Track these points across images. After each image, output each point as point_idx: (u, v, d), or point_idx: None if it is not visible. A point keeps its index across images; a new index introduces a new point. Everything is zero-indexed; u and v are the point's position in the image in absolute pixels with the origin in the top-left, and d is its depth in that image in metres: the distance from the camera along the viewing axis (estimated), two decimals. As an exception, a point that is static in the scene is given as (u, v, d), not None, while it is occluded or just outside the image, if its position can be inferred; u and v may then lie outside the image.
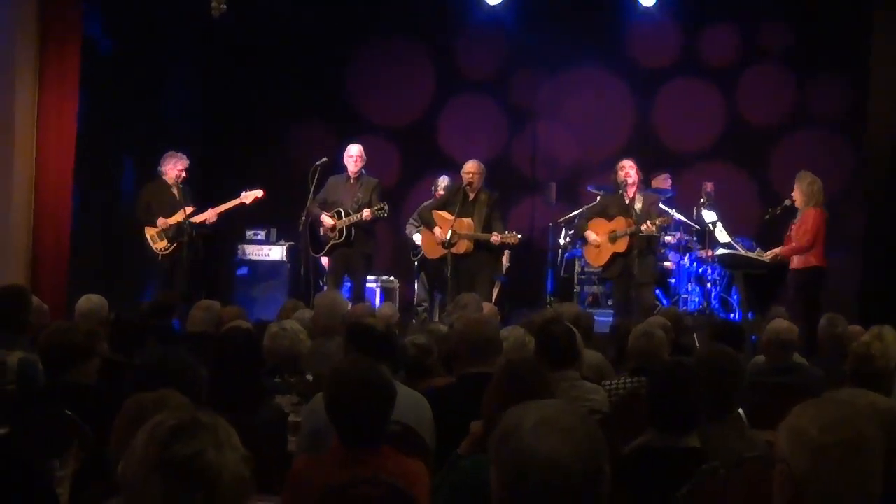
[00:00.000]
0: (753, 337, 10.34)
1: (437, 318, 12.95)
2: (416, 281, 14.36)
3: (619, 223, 12.35)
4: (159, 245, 12.88)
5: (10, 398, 6.35)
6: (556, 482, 2.47)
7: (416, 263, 14.24)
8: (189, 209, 12.93)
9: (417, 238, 13.88)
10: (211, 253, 13.91)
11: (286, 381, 6.89)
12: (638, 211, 12.34)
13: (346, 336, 6.55)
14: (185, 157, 13.18)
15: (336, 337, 8.18)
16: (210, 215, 13.08)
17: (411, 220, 14.25)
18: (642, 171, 12.65)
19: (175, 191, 13.07)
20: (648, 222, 12.16)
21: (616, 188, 12.60)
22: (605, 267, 12.68)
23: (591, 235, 12.57)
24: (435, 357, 6.75)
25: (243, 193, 13.28)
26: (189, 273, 12.95)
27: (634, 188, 12.45)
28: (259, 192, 13.29)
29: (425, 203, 13.58)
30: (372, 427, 4.53)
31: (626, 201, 12.41)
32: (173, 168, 13.05)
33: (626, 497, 4.23)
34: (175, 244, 12.84)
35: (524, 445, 2.49)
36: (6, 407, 5.96)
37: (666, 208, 13.20)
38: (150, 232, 12.92)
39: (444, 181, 14.04)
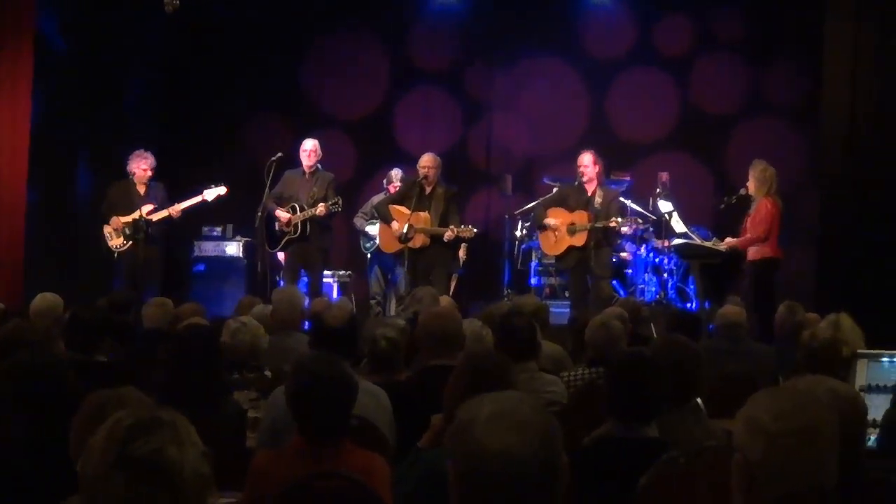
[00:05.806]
0: (711, 326, 10.40)
1: (391, 312, 12.98)
2: (369, 275, 14.31)
3: (580, 216, 12.34)
4: (115, 242, 12.83)
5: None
6: (508, 475, 2.47)
7: (368, 256, 14.23)
8: (148, 206, 12.83)
9: (370, 229, 13.90)
10: (167, 250, 13.82)
11: (244, 377, 6.89)
12: (597, 206, 12.33)
13: (310, 331, 6.57)
14: (150, 155, 13.11)
15: (294, 332, 8.21)
16: (174, 212, 12.96)
17: (360, 213, 14.25)
18: (601, 161, 12.61)
19: (141, 189, 13.02)
20: (617, 218, 12.21)
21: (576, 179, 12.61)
22: (560, 258, 12.71)
23: (550, 221, 12.54)
24: (401, 351, 6.75)
25: (205, 191, 13.15)
26: (151, 270, 12.87)
27: (594, 184, 12.47)
28: (222, 190, 13.16)
29: (376, 196, 13.78)
30: (333, 421, 4.55)
31: (586, 196, 12.44)
32: (136, 167, 13.02)
33: (586, 488, 4.25)
34: (131, 242, 12.76)
35: (476, 440, 2.49)
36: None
37: (624, 200, 13.24)
38: (107, 229, 12.88)
39: (397, 174, 14.00)
